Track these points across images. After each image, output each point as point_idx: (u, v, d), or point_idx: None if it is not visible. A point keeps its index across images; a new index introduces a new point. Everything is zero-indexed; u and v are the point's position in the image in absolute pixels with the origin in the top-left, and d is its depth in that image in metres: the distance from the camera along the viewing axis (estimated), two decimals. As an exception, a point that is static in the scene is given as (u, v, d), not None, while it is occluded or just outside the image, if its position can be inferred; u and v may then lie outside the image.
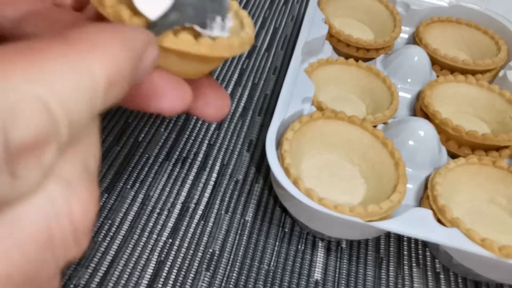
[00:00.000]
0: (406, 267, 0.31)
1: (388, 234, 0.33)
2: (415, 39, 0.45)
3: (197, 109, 0.20)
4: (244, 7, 0.52)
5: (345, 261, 0.31)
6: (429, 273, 0.31)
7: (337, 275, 0.30)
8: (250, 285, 0.29)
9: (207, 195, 0.33)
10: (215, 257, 0.30)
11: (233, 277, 0.29)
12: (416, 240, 0.33)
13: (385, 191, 0.30)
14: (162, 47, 0.17)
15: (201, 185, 0.34)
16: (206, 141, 0.37)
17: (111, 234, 0.30)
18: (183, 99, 0.17)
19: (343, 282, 0.30)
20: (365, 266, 0.31)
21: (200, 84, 0.20)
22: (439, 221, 0.29)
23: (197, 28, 0.18)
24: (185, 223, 0.31)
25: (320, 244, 0.32)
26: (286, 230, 0.32)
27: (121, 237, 0.30)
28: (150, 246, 0.30)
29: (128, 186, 0.33)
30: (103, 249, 0.29)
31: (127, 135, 0.36)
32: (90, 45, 0.12)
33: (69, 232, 0.12)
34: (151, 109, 0.17)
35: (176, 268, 0.29)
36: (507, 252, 0.26)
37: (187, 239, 0.30)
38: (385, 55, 0.43)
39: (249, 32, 0.20)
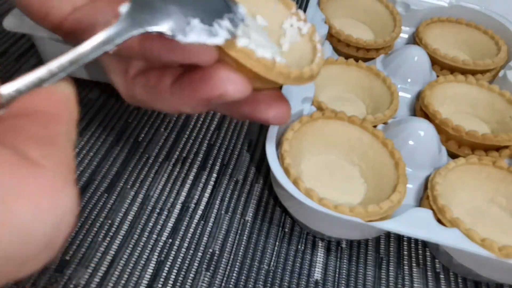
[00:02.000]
0: (406, 267, 0.31)
1: (388, 234, 0.33)
2: (415, 39, 0.45)
3: (260, 112, 0.22)
4: (244, 7, 0.52)
5: (345, 261, 0.31)
6: (429, 273, 0.31)
7: (337, 275, 0.30)
8: (250, 285, 0.29)
9: (207, 195, 0.33)
10: (215, 257, 0.30)
11: (233, 277, 0.29)
12: (416, 240, 0.33)
13: (385, 191, 0.30)
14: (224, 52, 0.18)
15: (201, 185, 0.34)
16: (206, 141, 0.37)
17: (111, 234, 0.30)
18: (244, 87, 0.19)
19: (343, 282, 0.30)
20: (365, 266, 0.31)
21: (266, 93, 0.23)
22: (439, 221, 0.29)
23: (167, 33, 0.17)
24: (185, 223, 0.31)
25: (320, 244, 0.32)
26: (286, 230, 0.32)
27: (121, 237, 0.30)
28: (150, 246, 0.30)
29: (128, 186, 0.33)
30: (103, 249, 0.29)
31: (127, 135, 0.36)
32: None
33: None
34: (217, 92, 0.19)
35: (176, 268, 0.29)
36: (507, 252, 0.26)
37: (187, 239, 0.30)
38: (385, 55, 0.43)
39: (313, 69, 0.21)
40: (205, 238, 0.31)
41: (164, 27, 0.17)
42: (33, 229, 0.11)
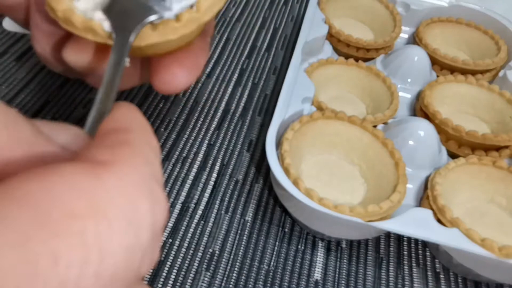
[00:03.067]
0: (406, 267, 0.31)
1: (388, 234, 0.33)
2: (415, 39, 0.45)
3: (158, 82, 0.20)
4: (244, 7, 0.52)
5: (345, 261, 0.31)
6: (429, 273, 0.31)
7: (337, 275, 0.30)
8: (250, 285, 0.29)
9: (207, 195, 0.33)
10: (215, 257, 0.30)
11: (233, 277, 0.29)
12: (416, 240, 0.33)
13: (385, 191, 0.30)
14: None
15: (201, 185, 0.34)
16: (206, 141, 0.37)
17: (111, 234, 0.30)
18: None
19: (343, 282, 0.30)
20: (365, 266, 0.31)
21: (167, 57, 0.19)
22: (439, 221, 0.29)
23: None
24: (185, 223, 0.31)
25: (320, 244, 0.32)
26: (286, 230, 0.32)
27: (121, 237, 0.30)
28: (150, 246, 0.30)
29: (128, 186, 0.33)
30: (103, 249, 0.29)
31: (127, 135, 0.36)
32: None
33: None
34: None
35: (176, 268, 0.29)
36: (507, 252, 0.26)
37: (187, 239, 0.30)
38: (385, 55, 0.43)
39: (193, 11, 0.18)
40: (205, 238, 0.31)
41: (154, 15, 0.17)
42: (133, 217, 0.11)
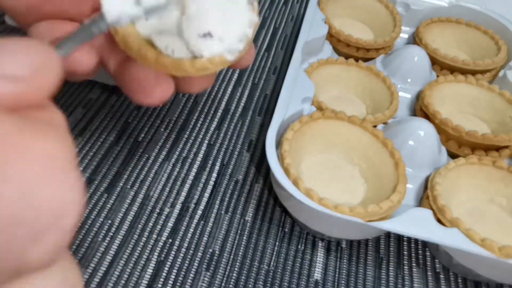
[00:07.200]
0: (406, 267, 0.31)
1: (388, 234, 0.33)
2: (415, 39, 0.45)
3: (183, 88, 0.23)
4: (244, 7, 0.52)
5: (345, 261, 0.31)
6: (429, 273, 0.31)
7: (337, 275, 0.30)
8: (250, 285, 0.29)
9: (207, 195, 0.33)
10: (215, 257, 0.30)
11: (233, 277, 0.29)
12: (416, 240, 0.33)
13: (385, 191, 0.30)
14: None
15: (201, 185, 0.34)
16: (206, 141, 0.37)
17: (111, 234, 0.30)
18: (166, 92, 0.21)
19: (343, 282, 0.30)
20: (365, 266, 0.31)
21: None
22: (439, 221, 0.29)
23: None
24: (185, 223, 0.31)
25: (320, 244, 0.32)
26: (286, 230, 0.32)
27: (121, 237, 0.30)
28: (150, 246, 0.30)
29: (128, 186, 0.33)
30: (103, 249, 0.29)
31: (127, 135, 0.36)
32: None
33: None
34: (140, 102, 0.21)
35: (176, 268, 0.29)
36: (507, 252, 0.26)
37: (187, 239, 0.30)
38: (385, 55, 0.43)
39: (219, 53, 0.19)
40: (205, 238, 0.31)
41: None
42: (38, 191, 0.10)
